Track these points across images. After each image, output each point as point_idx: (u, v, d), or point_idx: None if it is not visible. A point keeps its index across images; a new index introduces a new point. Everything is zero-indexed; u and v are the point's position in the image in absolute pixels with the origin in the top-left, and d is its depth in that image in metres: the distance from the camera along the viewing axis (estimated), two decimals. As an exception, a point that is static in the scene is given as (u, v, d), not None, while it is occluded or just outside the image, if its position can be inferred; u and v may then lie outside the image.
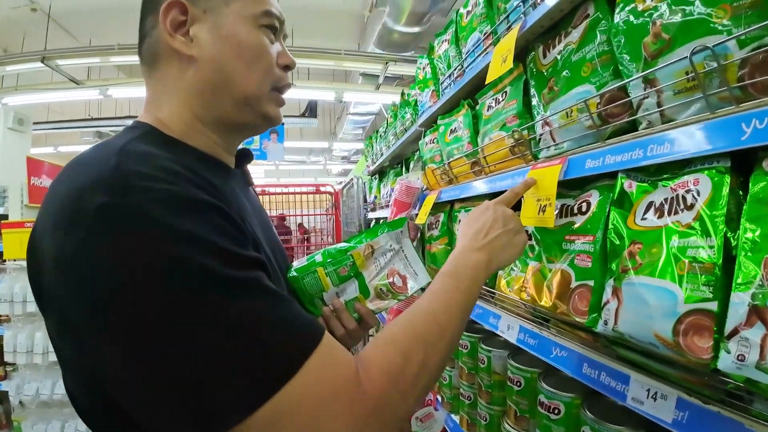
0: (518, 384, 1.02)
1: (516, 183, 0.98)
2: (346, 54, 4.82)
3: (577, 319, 0.75)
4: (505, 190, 0.83)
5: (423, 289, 0.78)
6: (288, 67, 0.66)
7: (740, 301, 0.50)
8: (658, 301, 0.59)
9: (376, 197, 3.15)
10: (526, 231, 0.81)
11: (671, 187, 0.63)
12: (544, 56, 0.93)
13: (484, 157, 1.20)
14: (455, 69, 1.43)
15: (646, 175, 0.69)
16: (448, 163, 1.44)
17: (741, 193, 0.56)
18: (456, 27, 1.42)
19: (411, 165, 2.35)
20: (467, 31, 1.31)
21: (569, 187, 0.90)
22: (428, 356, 0.50)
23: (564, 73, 0.85)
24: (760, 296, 0.48)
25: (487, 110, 1.20)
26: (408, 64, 4.88)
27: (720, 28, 0.55)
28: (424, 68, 1.82)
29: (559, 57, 0.87)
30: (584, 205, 0.82)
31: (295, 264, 0.76)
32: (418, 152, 2.03)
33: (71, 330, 0.43)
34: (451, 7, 4.10)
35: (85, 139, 8.06)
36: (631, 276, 0.64)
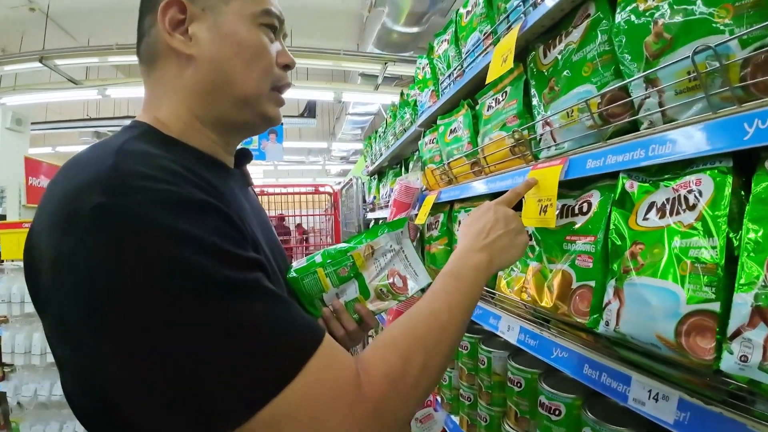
0: (519, 385, 1.01)
1: (516, 183, 0.98)
2: (345, 54, 4.83)
3: (578, 320, 0.75)
4: (506, 191, 0.82)
5: (423, 290, 0.77)
6: (288, 67, 0.65)
7: (743, 302, 0.49)
8: (660, 301, 0.58)
9: (375, 197, 3.14)
10: (527, 231, 0.81)
11: (673, 188, 0.63)
12: (545, 56, 0.93)
13: (484, 158, 1.20)
14: (455, 69, 1.43)
15: (647, 175, 0.69)
16: (448, 163, 1.43)
17: (743, 193, 0.56)
18: (456, 27, 1.42)
19: (410, 165, 2.34)
20: (467, 31, 1.31)
21: (570, 187, 0.89)
22: (429, 358, 0.50)
23: (565, 72, 0.85)
24: (763, 297, 0.47)
25: (487, 110, 1.19)
26: (407, 64, 4.88)
27: (722, 27, 0.55)
28: (423, 68, 1.82)
29: (559, 57, 0.87)
30: (585, 205, 0.82)
31: (295, 265, 0.76)
32: (417, 152, 2.03)
33: (68, 331, 0.43)
34: (450, 7, 4.11)
35: (83, 139, 8.05)
36: (633, 277, 0.64)
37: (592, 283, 0.74)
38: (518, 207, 0.85)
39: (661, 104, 0.65)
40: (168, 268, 0.40)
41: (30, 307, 2.52)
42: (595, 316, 0.71)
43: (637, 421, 0.68)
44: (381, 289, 0.75)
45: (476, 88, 1.28)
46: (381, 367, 0.47)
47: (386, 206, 2.36)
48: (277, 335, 0.43)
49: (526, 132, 1.00)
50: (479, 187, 1.23)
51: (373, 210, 3.11)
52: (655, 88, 0.64)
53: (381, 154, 2.90)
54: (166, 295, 0.39)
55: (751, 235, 0.50)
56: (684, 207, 0.60)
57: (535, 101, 0.97)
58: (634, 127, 0.72)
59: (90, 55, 4.50)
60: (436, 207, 1.61)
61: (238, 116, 0.62)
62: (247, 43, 0.59)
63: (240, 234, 0.49)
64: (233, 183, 0.64)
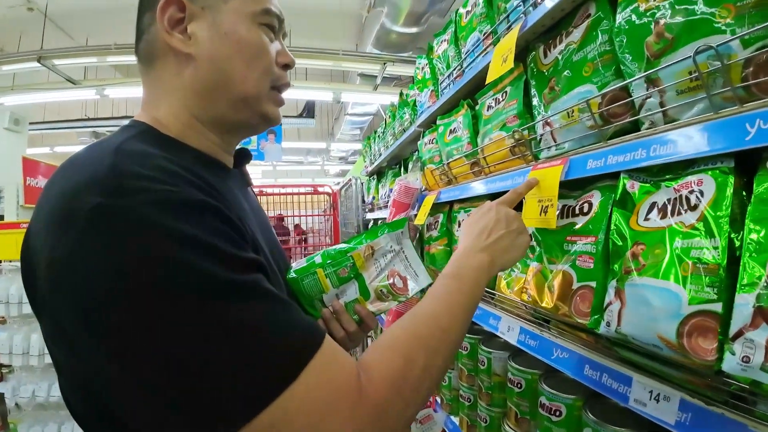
0: (519, 386, 1.01)
1: (516, 184, 0.98)
2: (344, 54, 4.82)
3: (579, 321, 0.75)
4: (506, 191, 0.82)
5: (423, 291, 0.77)
6: (288, 66, 0.65)
7: (745, 303, 0.49)
8: (662, 302, 0.58)
9: (374, 198, 3.14)
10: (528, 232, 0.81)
11: (674, 188, 0.63)
12: (545, 56, 0.93)
13: (484, 158, 1.20)
14: (454, 69, 1.43)
15: (648, 176, 0.69)
16: (448, 163, 1.43)
17: (744, 193, 0.56)
18: (455, 27, 1.42)
19: (409, 165, 2.34)
20: (467, 31, 1.30)
21: (570, 187, 0.89)
22: (431, 360, 0.50)
23: (565, 72, 0.85)
24: (765, 298, 0.47)
25: (487, 110, 1.19)
26: (406, 64, 4.88)
27: (723, 27, 0.55)
28: (422, 68, 1.82)
29: (560, 57, 0.87)
30: (586, 205, 0.81)
31: (294, 265, 0.75)
32: (416, 153, 2.03)
33: (65, 333, 0.42)
34: (449, 8, 4.10)
35: (81, 139, 8.04)
36: (634, 277, 0.63)
37: (593, 284, 0.74)
38: (519, 207, 0.85)
39: (662, 104, 0.64)
40: (166, 268, 0.39)
41: (28, 308, 2.51)
42: (596, 316, 0.71)
43: (638, 422, 0.68)
44: (381, 290, 0.74)
45: (476, 88, 1.28)
46: (383, 368, 0.47)
47: (385, 206, 2.36)
48: (277, 337, 0.42)
49: (526, 132, 1.00)
50: (479, 187, 1.23)
51: (372, 210, 3.11)
52: (657, 88, 0.64)
53: (380, 155, 2.90)
54: (165, 296, 0.39)
55: (753, 236, 0.50)
56: (685, 207, 0.60)
57: (535, 101, 0.97)
58: (635, 127, 0.72)
59: (88, 55, 4.49)
60: (436, 207, 1.60)
61: (237, 116, 0.62)
62: (247, 42, 0.59)
63: (239, 235, 0.48)
64: (232, 183, 0.64)
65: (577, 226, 0.82)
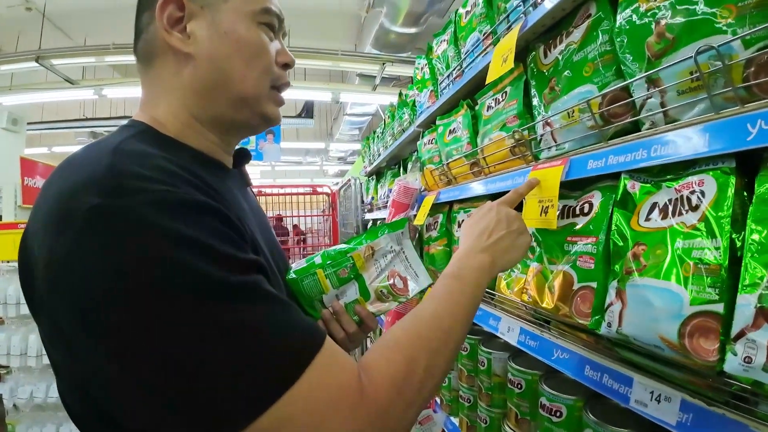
0: (519, 386, 1.01)
1: (516, 184, 0.97)
2: (343, 54, 4.82)
3: (579, 321, 0.74)
4: (505, 191, 0.82)
5: (423, 291, 0.77)
6: (287, 66, 0.65)
7: (747, 303, 0.49)
8: (663, 303, 0.58)
9: (373, 198, 3.14)
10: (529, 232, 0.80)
11: (675, 188, 0.62)
12: (545, 56, 0.93)
13: (484, 158, 1.20)
14: (454, 69, 1.42)
15: (649, 176, 0.69)
16: (447, 163, 1.43)
17: (745, 194, 0.56)
18: (455, 27, 1.42)
19: (409, 166, 2.34)
20: (466, 31, 1.30)
21: (570, 187, 0.89)
22: (432, 361, 0.50)
23: (565, 73, 0.85)
24: (767, 298, 0.47)
25: (487, 110, 1.19)
26: (405, 64, 4.88)
27: (724, 28, 0.55)
28: (422, 69, 1.81)
29: (560, 57, 0.87)
30: (586, 206, 0.81)
31: (294, 266, 0.75)
32: (415, 153, 2.03)
33: (63, 334, 0.42)
34: (448, 8, 4.10)
35: (79, 139, 8.03)
36: (636, 278, 0.63)
37: (594, 285, 0.73)
38: (519, 208, 0.84)
39: (663, 104, 0.64)
40: (163, 268, 0.39)
41: (26, 309, 2.50)
42: (597, 317, 0.71)
43: (639, 423, 0.68)
44: (381, 291, 0.74)
45: (475, 88, 1.28)
46: (384, 369, 0.46)
47: (384, 207, 2.36)
48: (277, 338, 0.42)
49: (526, 132, 1.00)
50: (478, 187, 1.22)
51: (371, 210, 3.11)
52: (657, 89, 0.64)
53: (379, 155, 2.89)
54: (162, 296, 0.38)
55: (755, 236, 0.50)
56: (687, 208, 0.60)
57: (535, 101, 0.97)
58: (635, 127, 0.72)
59: (86, 55, 4.48)
60: (435, 208, 1.60)
61: (236, 116, 0.61)
62: (246, 42, 0.58)
63: (239, 235, 0.48)
64: (232, 183, 0.64)
65: (577, 227, 0.82)
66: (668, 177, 0.65)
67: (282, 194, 4.61)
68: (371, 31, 4.66)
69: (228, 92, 0.59)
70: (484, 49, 1.19)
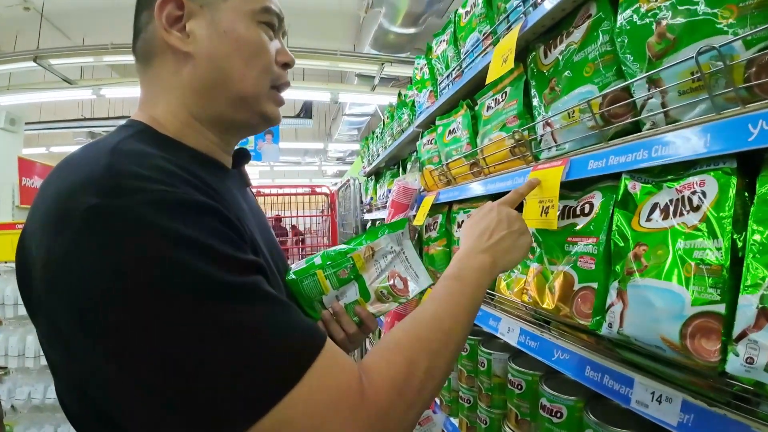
0: (519, 387, 1.01)
1: (516, 184, 0.97)
2: (342, 55, 4.82)
3: (580, 322, 0.74)
4: (505, 192, 0.82)
5: (423, 292, 0.77)
6: (287, 65, 0.64)
7: (748, 304, 0.49)
8: (665, 303, 0.58)
9: (372, 198, 3.14)
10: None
11: (677, 189, 0.62)
12: (545, 56, 0.92)
13: (484, 158, 1.19)
14: (454, 69, 1.42)
15: (650, 176, 0.69)
16: (447, 164, 1.43)
17: (747, 194, 0.55)
18: (454, 27, 1.41)
19: (408, 166, 2.34)
20: (466, 32, 1.30)
21: (571, 188, 0.89)
22: (433, 362, 0.49)
23: (566, 73, 0.85)
24: (769, 299, 0.47)
25: (487, 111, 1.19)
26: (404, 65, 4.88)
27: (725, 28, 0.55)
28: (421, 69, 1.81)
29: (560, 57, 0.87)
30: (587, 206, 0.81)
31: (294, 267, 0.75)
32: (415, 153, 2.02)
33: (61, 335, 0.42)
34: (447, 9, 4.10)
35: (77, 139, 8.01)
36: (637, 278, 0.63)
37: (595, 285, 0.73)
38: (519, 208, 0.84)
39: (664, 105, 0.64)
40: (162, 268, 0.39)
41: (23, 310, 2.49)
42: (597, 318, 0.71)
43: (640, 424, 0.68)
44: (381, 291, 0.74)
45: (475, 88, 1.27)
46: (384, 370, 0.46)
47: (383, 207, 2.36)
48: (277, 339, 0.42)
49: (526, 132, 0.99)
50: (478, 188, 1.22)
51: (370, 211, 3.10)
52: (658, 89, 0.64)
53: (378, 155, 2.89)
54: (161, 296, 0.38)
55: (757, 237, 0.50)
56: (688, 208, 0.60)
57: (535, 102, 0.97)
58: (636, 127, 0.72)
59: (85, 55, 4.46)
60: (435, 208, 1.60)
61: (236, 115, 0.61)
62: (246, 41, 0.58)
63: (238, 236, 0.48)
64: (231, 183, 0.63)
65: (578, 227, 0.81)
66: (669, 177, 0.65)
67: (281, 194, 4.61)
68: (370, 31, 4.66)
69: (227, 91, 0.58)
70: (484, 50, 1.19)
